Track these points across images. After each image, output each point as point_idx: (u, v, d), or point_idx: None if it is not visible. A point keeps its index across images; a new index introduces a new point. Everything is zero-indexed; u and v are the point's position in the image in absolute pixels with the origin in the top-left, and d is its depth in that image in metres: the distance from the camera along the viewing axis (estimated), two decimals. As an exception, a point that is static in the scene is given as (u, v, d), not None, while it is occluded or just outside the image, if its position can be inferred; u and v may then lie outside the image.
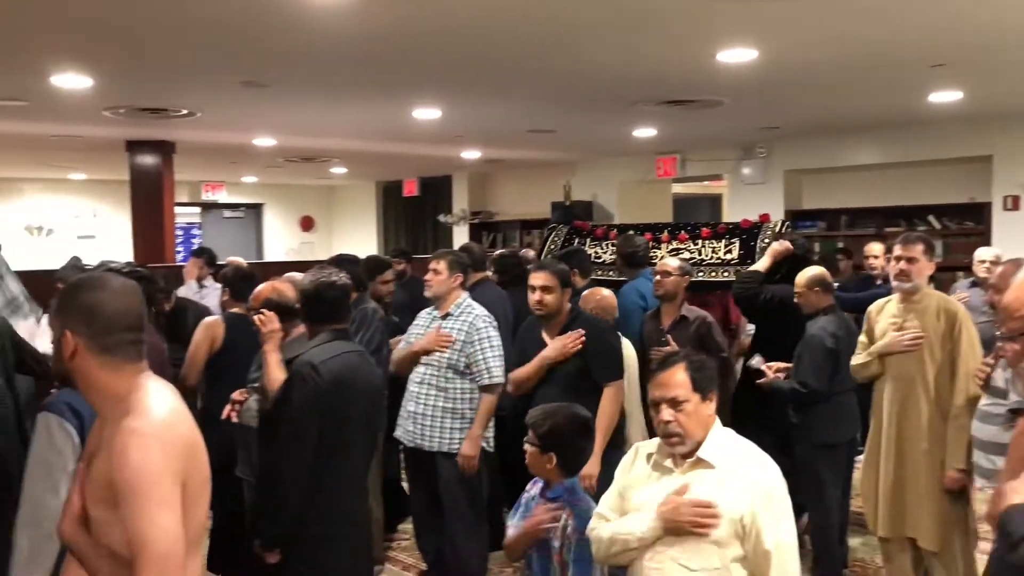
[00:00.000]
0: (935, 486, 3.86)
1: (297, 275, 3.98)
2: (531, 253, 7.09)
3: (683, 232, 6.18)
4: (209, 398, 4.43)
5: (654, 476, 2.49)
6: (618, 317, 4.73)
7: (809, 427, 4.42)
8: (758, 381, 4.50)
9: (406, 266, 7.23)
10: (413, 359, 4.30)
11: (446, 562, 4.37)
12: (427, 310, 4.48)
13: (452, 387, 4.20)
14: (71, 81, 5.90)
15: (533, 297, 4.09)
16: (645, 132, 9.03)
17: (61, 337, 1.93)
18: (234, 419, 3.87)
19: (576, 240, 6.59)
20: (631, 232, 6.12)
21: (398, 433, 4.39)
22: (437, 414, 4.20)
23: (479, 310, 4.31)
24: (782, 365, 4.47)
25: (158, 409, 1.90)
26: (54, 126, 8.33)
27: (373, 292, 5.18)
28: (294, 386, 3.09)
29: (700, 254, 5.95)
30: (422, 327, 4.41)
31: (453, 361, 4.19)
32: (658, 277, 4.91)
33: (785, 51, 5.35)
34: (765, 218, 6.03)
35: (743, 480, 2.36)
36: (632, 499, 2.51)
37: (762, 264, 5.07)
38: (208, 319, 4.62)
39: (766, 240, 5.60)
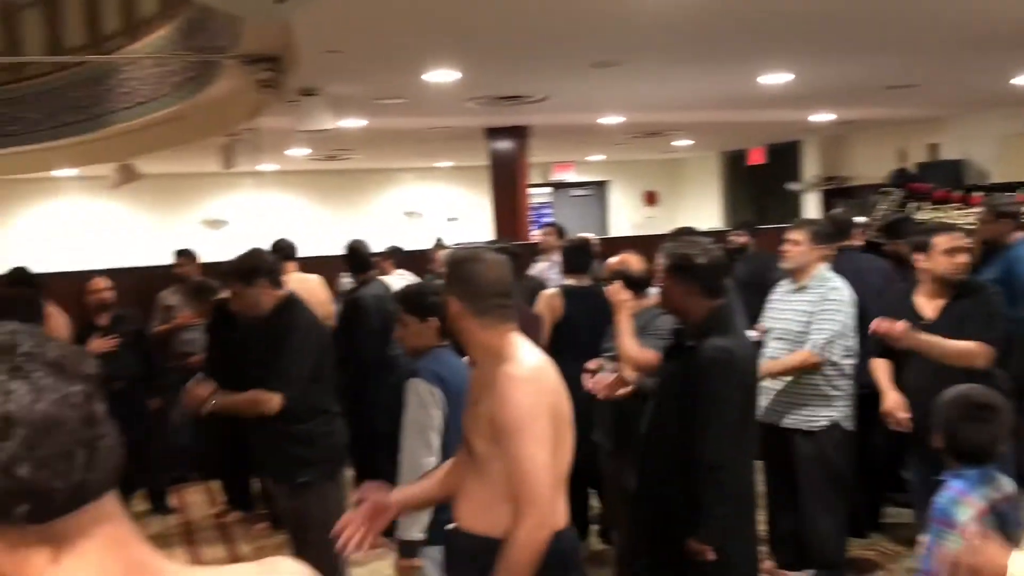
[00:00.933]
0: None
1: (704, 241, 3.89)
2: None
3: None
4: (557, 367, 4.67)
5: None
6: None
7: None
8: None
9: (749, 240, 7.02)
10: None
11: (801, 543, 4.25)
12: (782, 283, 4.35)
13: (808, 362, 4.05)
14: (442, 76, 6.49)
15: (956, 260, 3.82)
16: (1030, 79, 7.97)
17: (447, 302, 2.32)
18: (588, 387, 4.06)
19: (909, 205, 6.01)
20: (995, 192, 5.47)
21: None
22: (792, 390, 4.08)
23: (835, 282, 4.11)
24: None
25: (529, 359, 2.23)
26: (426, 119, 9.20)
27: None
28: (715, 374, 2.93)
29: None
30: (777, 303, 4.30)
31: (806, 336, 4.04)
32: None
33: None
34: None
35: None
36: None
37: None
38: (547, 291, 4.84)
39: None
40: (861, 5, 4.98)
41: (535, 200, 15.86)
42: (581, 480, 4.44)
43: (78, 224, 13.80)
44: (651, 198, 17.87)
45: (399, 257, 6.70)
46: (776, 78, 7.31)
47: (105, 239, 13.57)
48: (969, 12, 5.27)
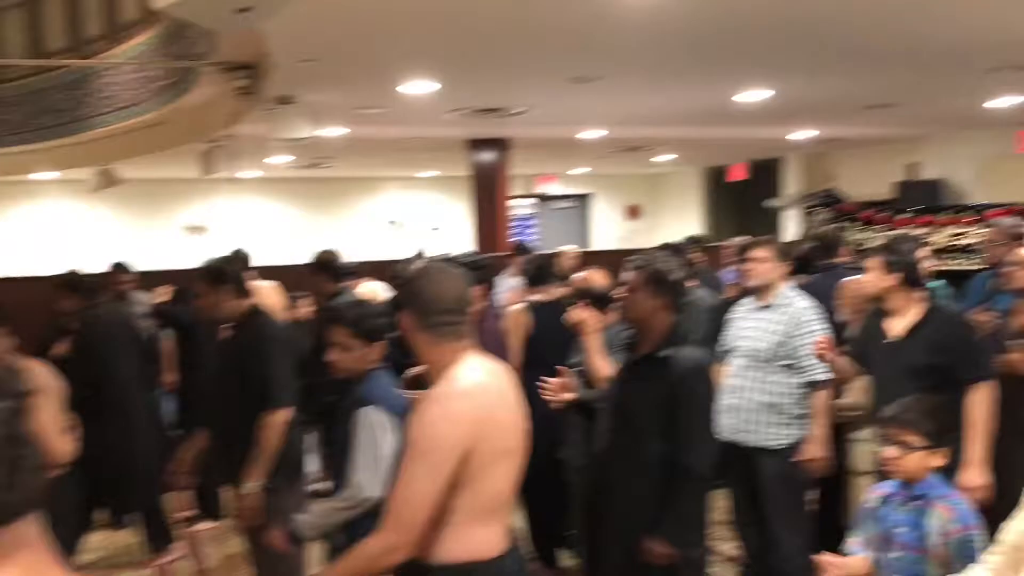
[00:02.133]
0: None
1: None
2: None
3: (969, 214, 5.45)
4: (525, 382, 4.65)
5: None
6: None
7: None
8: None
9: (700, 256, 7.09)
10: None
11: (768, 560, 4.24)
12: (745, 301, 4.35)
13: (771, 380, 4.03)
14: (419, 88, 6.50)
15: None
16: (1003, 102, 8.05)
17: (400, 318, 2.28)
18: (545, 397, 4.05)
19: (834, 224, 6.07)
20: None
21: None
22: (755, 408, 4.07)
23: (802, 302, 4.11)
24: None
25: (463, 380, 2.15)
26: (406, 129, 9.20)
27: None
28: (698, 381, 3.17)
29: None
30: (741, 319, 4.30)
31: (772, 354, 4.04)
32: (1012, 268, 4.30)
33: None
34: None
35: None
36: None
37: None
38: (513, 308, 4.81)
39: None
40: (838, 22, 5.02)
41: (519, 212, 15.86)
42: (548, 496, 4.44)
43: (59, 227, 13.71)
44: (633, 212, 17.92)
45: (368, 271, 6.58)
46: (755, 95, 7.36)
47: (87, 242, 13.49)
48: (942, 34, 5.33)
